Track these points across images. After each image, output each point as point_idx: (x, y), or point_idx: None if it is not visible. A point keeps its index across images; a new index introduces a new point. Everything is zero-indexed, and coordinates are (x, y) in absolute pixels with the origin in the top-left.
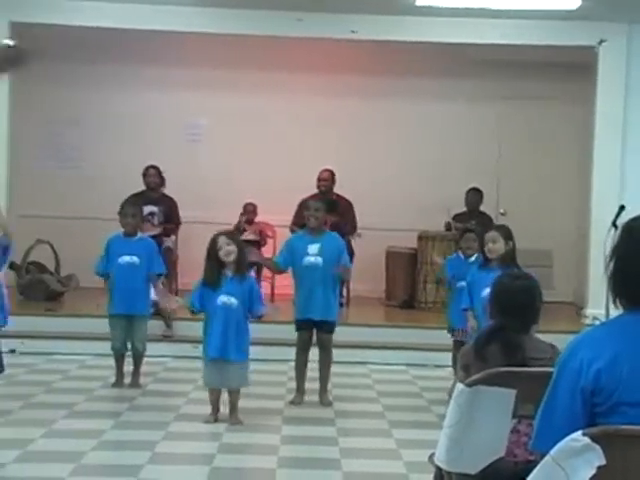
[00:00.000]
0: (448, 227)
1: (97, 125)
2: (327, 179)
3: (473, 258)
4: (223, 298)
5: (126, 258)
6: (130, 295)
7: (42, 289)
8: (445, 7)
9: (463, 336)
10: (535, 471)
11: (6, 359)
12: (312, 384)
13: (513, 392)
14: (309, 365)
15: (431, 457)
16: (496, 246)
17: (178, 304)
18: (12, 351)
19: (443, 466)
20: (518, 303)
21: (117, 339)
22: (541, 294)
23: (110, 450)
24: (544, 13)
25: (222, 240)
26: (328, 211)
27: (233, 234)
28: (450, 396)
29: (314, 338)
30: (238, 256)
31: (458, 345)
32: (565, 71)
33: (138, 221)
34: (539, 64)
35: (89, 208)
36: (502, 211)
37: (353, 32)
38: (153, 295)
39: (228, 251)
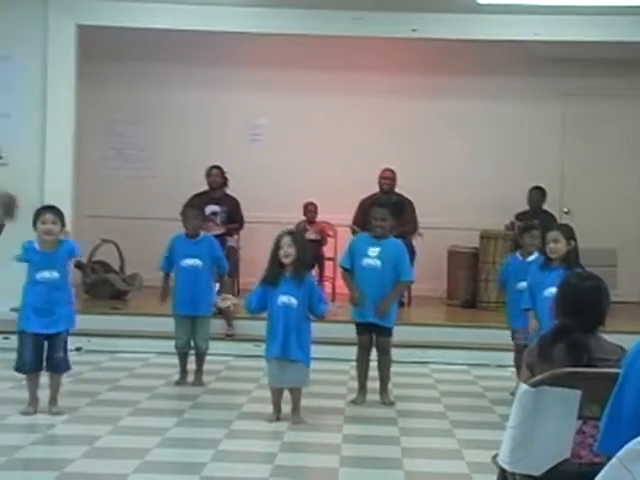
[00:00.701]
0: (510, 226)
1: (159, 125)
2: (389, 178)
3: (532, 257)
4: (283, 298)
5: (189, 261)
6: (193, 297)
7: (107, 288)
8: (507, 4)
9: (524, 337)
10: (601, 473)
11: (72, 357)
12: (374, 383)
13: (578, 393)
14: (370, 365)
15: (494, 458)
16: (558, 246)
17: (230, 303)
18: (78, 349)
19: (507, 467)
20: (586, 304)
21: (181, 338)
22: (609, 296)
23: (174, 447)
24: (609, 9)
25: (285, 240)
26: (395, 215)
27: (298, 235)
28: (514, 396)
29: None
30: (296, 258)
31: (521, 347)
32: (631, 67)
33: (200, 222)
34: (603, 60)
35: (152, 208)
36: (566, 210)
37: (414, 31)
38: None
39: (287, 253)
